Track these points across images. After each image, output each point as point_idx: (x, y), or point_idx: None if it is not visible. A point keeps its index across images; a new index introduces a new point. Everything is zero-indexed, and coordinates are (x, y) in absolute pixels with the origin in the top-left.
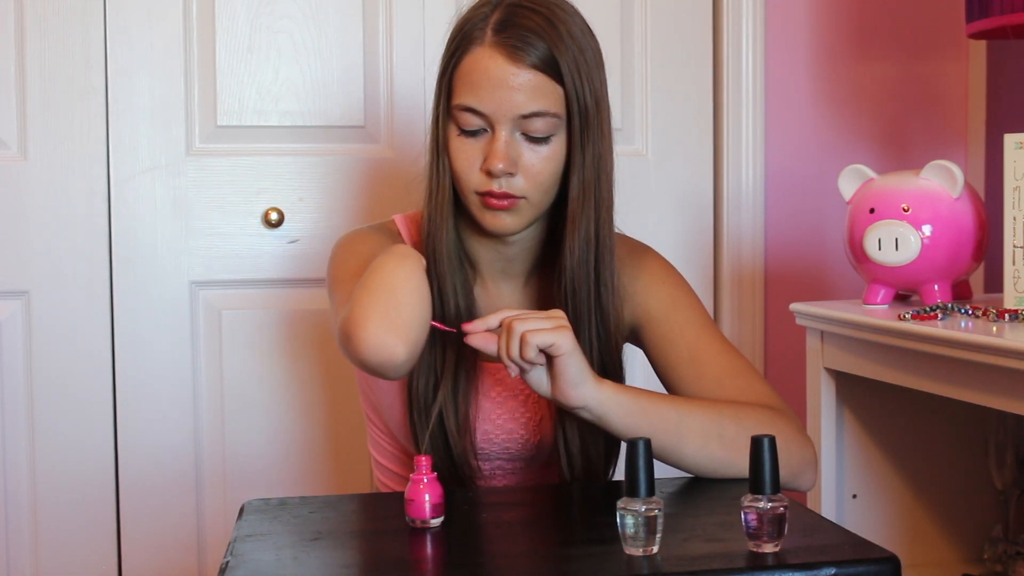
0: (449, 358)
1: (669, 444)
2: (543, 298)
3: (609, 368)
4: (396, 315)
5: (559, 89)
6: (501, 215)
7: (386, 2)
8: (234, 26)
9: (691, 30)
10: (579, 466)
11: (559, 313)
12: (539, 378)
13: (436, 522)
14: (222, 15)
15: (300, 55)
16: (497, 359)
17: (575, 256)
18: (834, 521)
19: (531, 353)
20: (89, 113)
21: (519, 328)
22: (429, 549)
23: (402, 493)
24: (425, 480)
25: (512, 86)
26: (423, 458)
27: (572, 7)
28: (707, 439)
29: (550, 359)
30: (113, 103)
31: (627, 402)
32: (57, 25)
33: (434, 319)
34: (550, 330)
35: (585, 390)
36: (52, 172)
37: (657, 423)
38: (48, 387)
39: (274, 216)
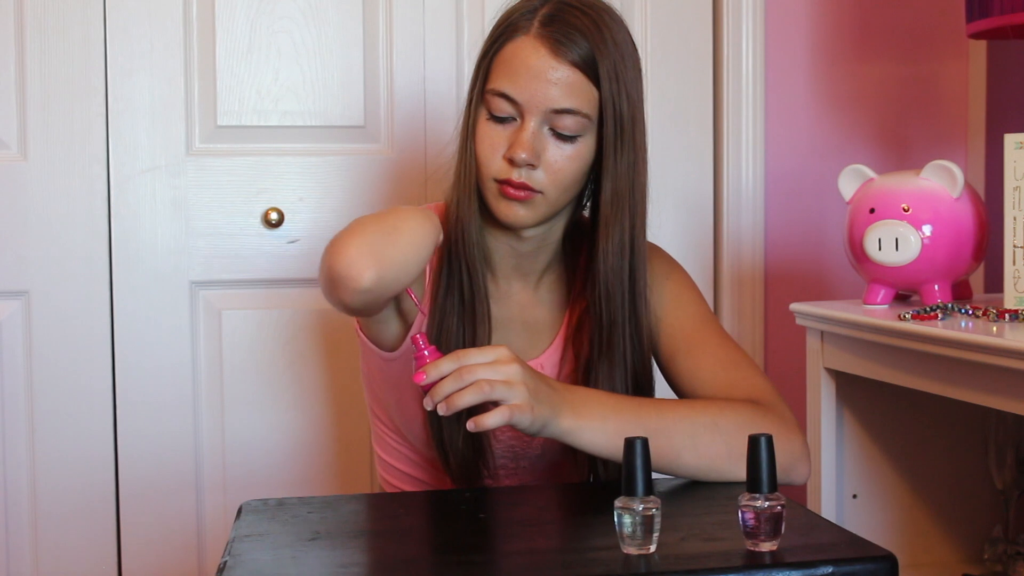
0: (479, 342)
1: None
2: (553, 299)
3: (641, 378)
4: (387, 249)
5: (595, 91)
6: (515, 206)
7: (386, 2)
8: (234, 26)
9: (691, 30)
10: (594, 464)
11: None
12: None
13: None
14: (222, 15)
15: (300, 55)
16: None
17: (608, 262)
18: (834, 521)
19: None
20: (89, 113)
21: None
22: (428, 549)
23: (403, 493)
24: (426, 352)
25: (549, 79)
26: (418, 336)
27: (620, 18)
28: (679, 453)
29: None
30: (113, 103)
31: (593, 428)
32: (57, 25)
33: (418, 299)
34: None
35: (551, 430)
36: (52, 172)
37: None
38: (48, 387)
39: (274, 216)
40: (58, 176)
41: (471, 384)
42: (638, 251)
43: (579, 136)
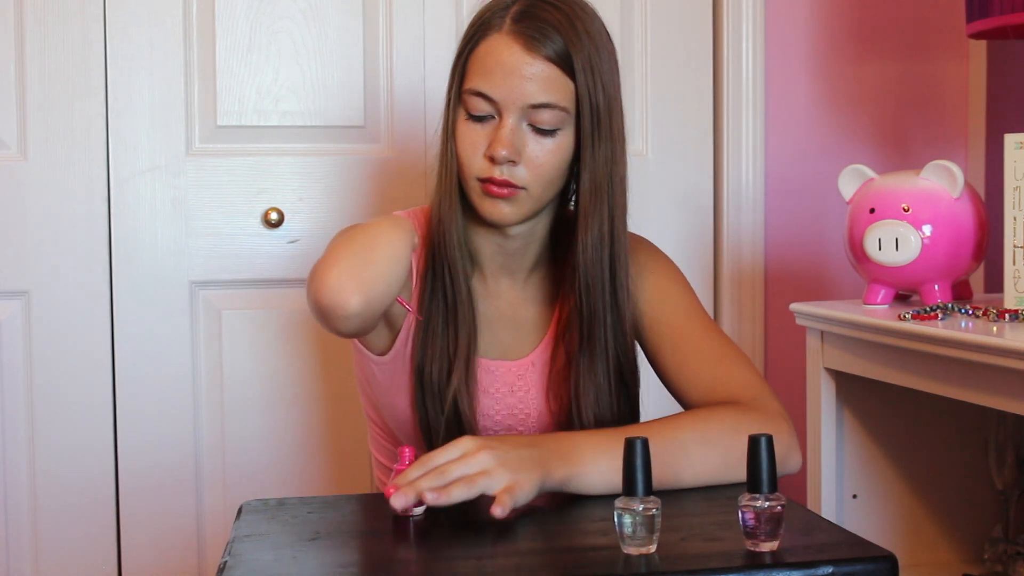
0: (461, 344)
1: None
2: (542, 296)
3: (625, 370)
4: (364, 269)
5: (571, 84)
6: (500, 204)
7: (386, 2)
8: (234, 26)
9: (691, 30)
10: None
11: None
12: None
13: (419, 511)
14: (222, 15)
15: (300, 55)
16: (495, 356)
17: (587, 253)
18: (834, 521)
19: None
20: (89, 113)
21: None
22: (427, 549)
23: None
24: (408, 463)
25: (524, 75)
26: (406, 449)
27: (592, 10)
28: (677, 472)
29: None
30: (113, 103)
31: (584, 472)
32: (57, 25)
33: (408, 304)
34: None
35: (548, 486)
36: (52, 172)
37: (619, 476)
38: (48, 387)
39: (274, 216)
40: (58, 176)
41: (457, 480)
42: (618, 241)
43: (558, 130)
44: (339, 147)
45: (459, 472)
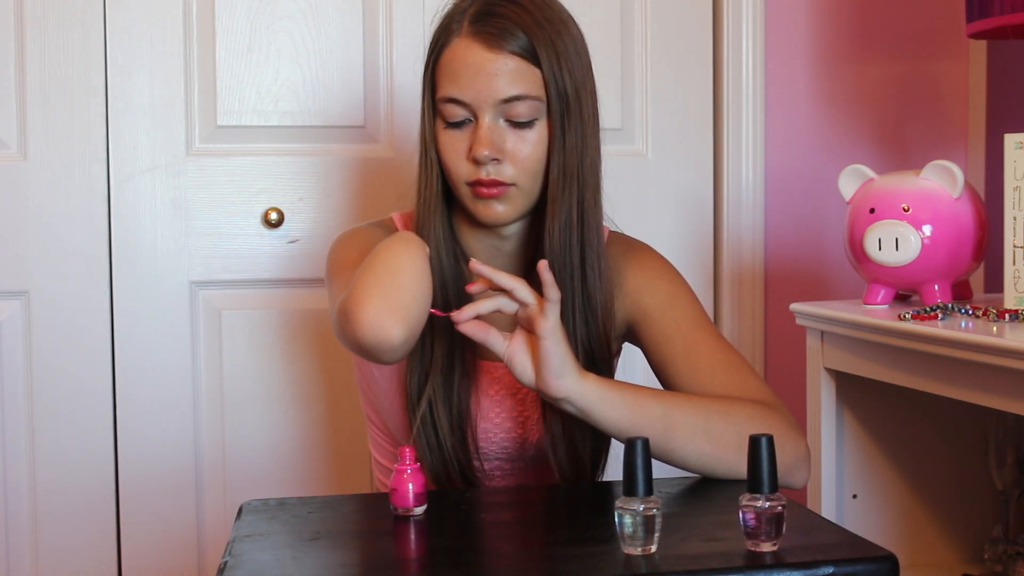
0: (438, 353)
1: (655, 439)
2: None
3: (597, 356)
4: (396, 297)
5: (538, 73)
6: (493, 204)
7: (386, 2)
8: (234, 26)
9: (691, 30)
10: (566, 467)
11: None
12: (523, 366)
13: (419, 511)
14: (222, 15)
15: (300, 55)
16: (494, 357)
17: (555, 239)
18: (834, 521)
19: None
20: (89, 113)
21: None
22: (428, 549)
23: None
24: (409, 471)
25: (491, 72)
26: (407, 449)
27: None
28: (694, 435)
29: (534, 345)
30: (113, 103)
31: (610, 396)
32: (57, 25)
33: (433, 306)
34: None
35: (567, 381)
36: (52, 172)
37: (642, 417)
38: (48, 387)
39: (274, 216)
40: (58, 176)
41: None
42: (588, 226)
43: (535, 120)
44: (339, 147)
45: (527, 296)
